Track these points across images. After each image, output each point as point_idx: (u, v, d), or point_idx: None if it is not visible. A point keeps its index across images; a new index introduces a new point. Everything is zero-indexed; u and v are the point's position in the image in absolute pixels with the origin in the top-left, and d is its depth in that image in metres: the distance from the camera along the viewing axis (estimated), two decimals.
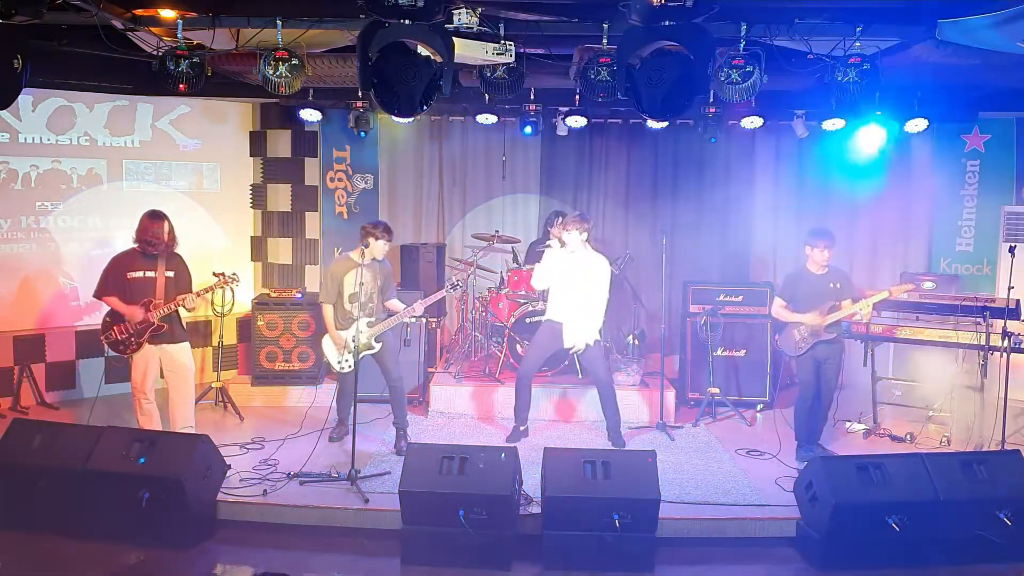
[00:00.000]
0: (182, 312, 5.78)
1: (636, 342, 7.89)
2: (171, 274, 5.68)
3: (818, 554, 4.68)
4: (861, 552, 4.63)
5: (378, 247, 5.98)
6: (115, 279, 5.61)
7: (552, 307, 6.35)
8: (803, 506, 4.92)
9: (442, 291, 6.50)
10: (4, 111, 6.51)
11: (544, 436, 6.59)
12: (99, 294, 5.64)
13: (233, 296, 7.14)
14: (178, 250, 5.82)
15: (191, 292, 5.72)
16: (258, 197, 8.48)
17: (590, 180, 8.81)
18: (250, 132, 8.40)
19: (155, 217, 5.66)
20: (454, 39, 4.60)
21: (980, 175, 8.12)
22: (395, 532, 4.75)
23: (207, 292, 5.91)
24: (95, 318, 7.01)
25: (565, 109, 7.43)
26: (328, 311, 6.10)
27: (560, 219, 8.00)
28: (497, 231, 8.05)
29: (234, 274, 6.09)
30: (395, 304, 6.21)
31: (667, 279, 7.04)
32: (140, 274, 5.61)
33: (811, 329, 5.93)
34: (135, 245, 5.65)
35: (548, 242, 6.59)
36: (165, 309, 5.58)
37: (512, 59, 5.13)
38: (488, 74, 5.46)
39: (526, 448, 5.90)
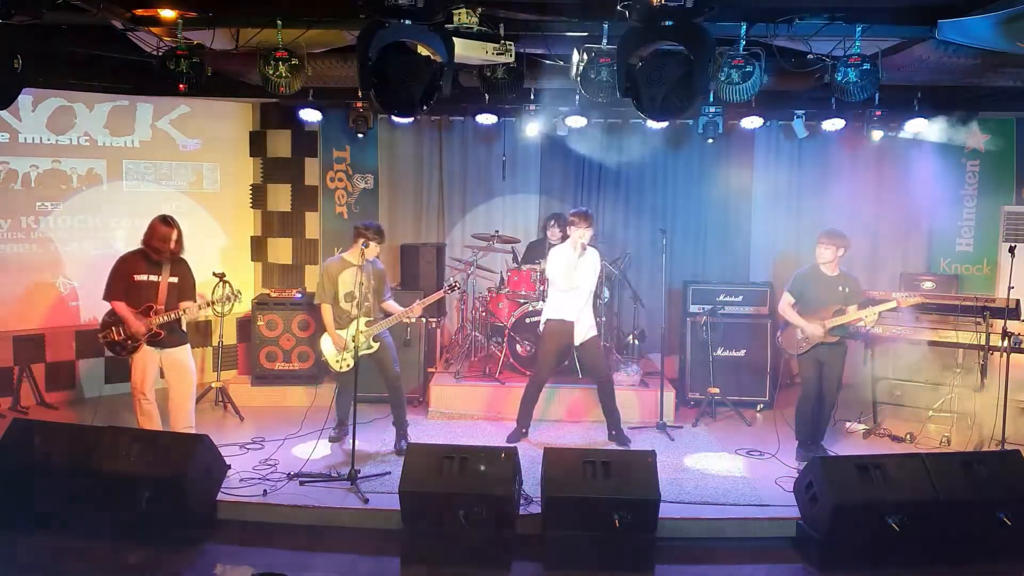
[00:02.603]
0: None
1: (636, 342, 7.90)
2: (175, 279, 5.66)
3: (818, 554, 4.67)
4: (861, 552, 4.63)
5: (370, 248, 5.97)
6: (122, 282, 5.59)
7: (560, 306, 6.32)
8: (803, 506, 4.92)
9: (439, 292, 6.49)
10: (4, 111, 6.53)
11: (544, 436, 6.59)
12: (108, 298, 5.59)
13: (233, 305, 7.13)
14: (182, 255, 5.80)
15: (193, 299, 5.72)
16: (258, 197, 8.48)
17: (590, 180, 8.81)
18: (250, 132, 8.41)
19: (165, 223, 5.60)
20: (454, 39, 4.60)
21: (980, 175, 8.13)
22: (395, 532, 4.76)
23: (210, 306, 5.87)
24: (95, 317, 7.03)
25: (565, 109, 7.43)
26: (327, 311, 6.10)
27: (554, 221, 8.01)
28: (497, 231, 8.05)
29: (238, 291, 6.08)
30: (392, 306, 6.21)
31: (667, 279, 7.04)
32: (145, 277, 5.59)
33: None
34: (141, 247, 5.64)
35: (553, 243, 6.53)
36: (165, 317, 5.56)
37: (512, 59, 5.13)
38: (488, 74, 5.47)
39: (526, 448, 5.91)
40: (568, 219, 6.38)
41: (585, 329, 6.34)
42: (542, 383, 6.50)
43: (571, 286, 6.23)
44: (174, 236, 5.61)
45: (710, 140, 7.55)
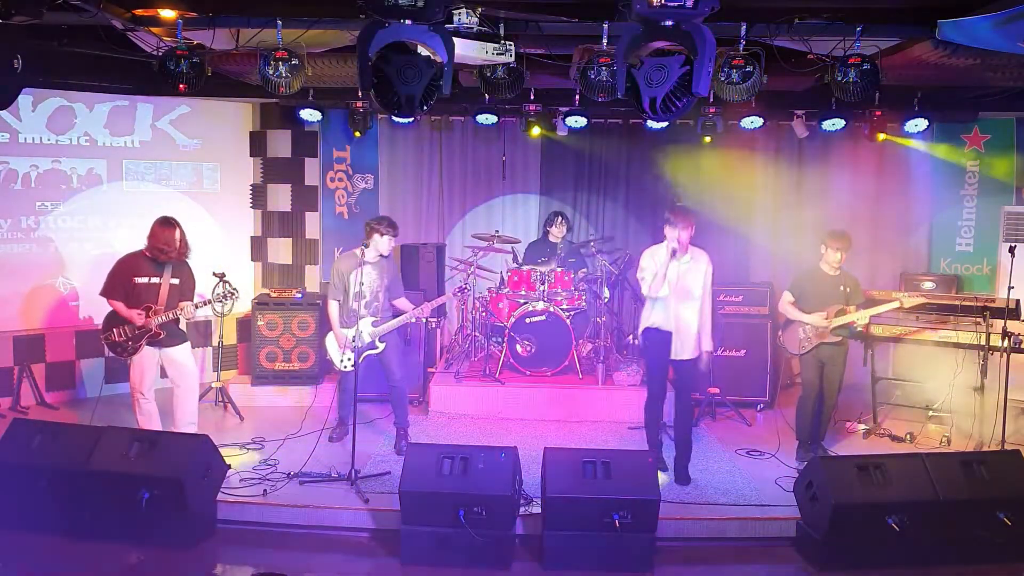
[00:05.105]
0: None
1: (636, 342, 7.89)
2: (176, 281, 5.67)
3: (818, 554, 4.68)
4: (861, 552, 4.63)
5: (383, 243, 5.93)
6: (122, 281, 5.60)
7: (655, 314, 5.60)
8: (803, 506, 4.92)
9: (448, 294, 6.47)
10: (4, 111, 6.53)
11: (544, 436, 6.59)
12: (105, 294, 5.63)
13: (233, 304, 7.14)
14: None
15: (192, 301, 5.73)
16: (258, 197, 8.48)
17: (590, 180, 8.82)
18: (250, 132, 8.41)
19: (167, 224, 5.61)
20: (454, 39, 4.59)
21: (980, 175, 8.13)
22: (395, 532, 4.75)
23: (206, 304, 5.89)
24: (95, 318, 7.03)
25: (565, 109, 7.43)
26: (333, 307, 6.08)
27: (559, 218, 8.00)
28: (497, 231, 8.05)
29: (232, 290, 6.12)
30: (404, 303, 6.18)
31: None
32: (146, 280, 5.60)
33: (816, 331, 5.91)
34: (144, 249, 5.63)
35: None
36: (164, 317, 5.57)
37: (512, 59, 5.13)
38: (488, 74, 5.46)
39: (526, 448, 5.90)
40: (665, 216, 5.64)
41: (689, 346, 5.59)
42: (658, 401, 5.77)
43: (661, 294, 5.50)
44: (177, 236, 5.61)
45: (708, 139, 7.58)
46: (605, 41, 4.97)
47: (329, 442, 6.23)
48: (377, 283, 5.99)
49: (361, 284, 5.81)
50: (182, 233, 5.65)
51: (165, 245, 5.56)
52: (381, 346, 6.03)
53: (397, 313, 6.14)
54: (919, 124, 7.16)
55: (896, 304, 5.93)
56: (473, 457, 4.76)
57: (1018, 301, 6.13)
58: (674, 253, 5.42)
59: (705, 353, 5.66)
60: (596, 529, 4.56)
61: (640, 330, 5.83)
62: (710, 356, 5.75)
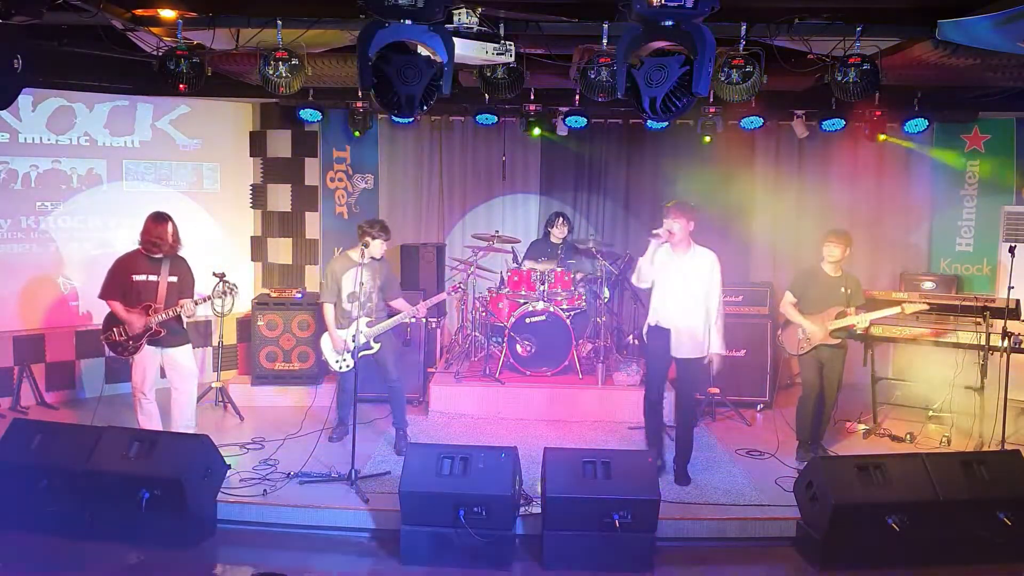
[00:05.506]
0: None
1: (636, 342, 7.90)
2: (174, 279, 5.67)
3: (818, 554, 4.67)
4: (861, 552, 4.63)
5: (375, 246, 5.96)
6: (120, 281, 5.61)
7: (654, 310, 5.57)
8: (803, 506, 4.91)
9: (443, 294, 6.47)
10: (4, 111, 6.52)
11: (544, 436, 6.59)
12: (104, 296, 5.63)
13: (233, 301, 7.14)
14: (181, 252, 5.82)
15: (192, 298, 5.72)
16: (258, 197, 8.48)
17: (590, 180, 8.82)
18: (250, 132, 8.41)
19: (159, 219, 5.64)
20: (454, 39, 4.59)
21: (980, 175, 8.13)
22: (395, 532, 4.75)
23: (206, 301, 5.90)
24: (95, 318, 7.03)
25: (565, 109, 7.43)
26: (328, 310, 6.10)
27: (560, 219, 8.02)
28: (497, 231, 8.05)
29: (232, 286, 6.08)
30: (400, 303, 6.19)
31: None
32: (143, 277, 5.61)
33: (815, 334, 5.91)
34: (139, 247, 5.65)
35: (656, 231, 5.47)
36: (164, 315, 5.57)
37: (512, 59, 5.13)
38: (488, 74, 5.46)
39: (526, 448, 5.91)
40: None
41: (689, 344, 5.51)
42: (652, 400, 5.73)
43: (637, 283, 5.57)
44: (169, 230, 5.63)
45: (708, 139, 7.58)
46: (605, 41, 4.97)
47: (329, 442, 6.24)
48: (370, 284, 6.00)
49: (361, 284, 5.82)
50: (174, 227, 5.68)
51: (158, 239, 5.58)
52: (376, 346, 6.04)
53: (392, 313, 6.15)
54: (919, 124, 7.16)
55: (897, 310, 5.92)
56: (473, 457, 4.75)
57: (1018, 301, 6.13)
58: (659, 238, 5.36)
59: (714, 355, 5.57)
60: (596, 529, 4.56)
61: (644, 328, 5.80)
62: (720, 359, 5.65)
